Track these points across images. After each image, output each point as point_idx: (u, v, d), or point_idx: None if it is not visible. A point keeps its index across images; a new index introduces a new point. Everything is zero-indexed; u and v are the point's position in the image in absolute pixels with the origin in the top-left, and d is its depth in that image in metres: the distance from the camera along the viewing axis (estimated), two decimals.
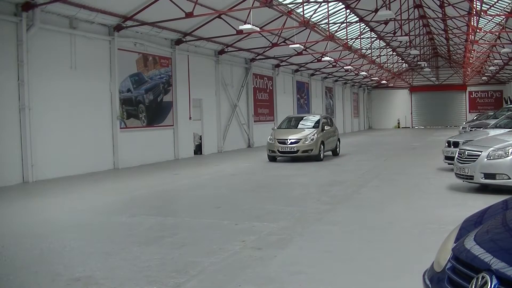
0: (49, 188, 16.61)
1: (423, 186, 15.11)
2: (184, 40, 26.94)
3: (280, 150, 23.34)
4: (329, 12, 29.71)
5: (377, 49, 43.93)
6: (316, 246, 8.53)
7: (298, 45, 31.24)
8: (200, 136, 30.03)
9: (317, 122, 24.99)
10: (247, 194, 14.60)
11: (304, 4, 25.91)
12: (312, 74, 49.92)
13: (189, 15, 21.70)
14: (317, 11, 29.20)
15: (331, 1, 27.32)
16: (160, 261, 7.71)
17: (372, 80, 63.28)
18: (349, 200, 13.18)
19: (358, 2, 29.02)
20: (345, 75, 55.66)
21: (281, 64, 40.92)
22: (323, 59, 39.02)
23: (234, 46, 31.42)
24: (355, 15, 33.02)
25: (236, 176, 19.05)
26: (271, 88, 40.35)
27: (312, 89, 50.31)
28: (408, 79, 68.64)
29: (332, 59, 39.48)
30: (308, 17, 27.70)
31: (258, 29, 24.99)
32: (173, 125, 26.75)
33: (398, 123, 71.72)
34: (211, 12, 23.66)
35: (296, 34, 31.54)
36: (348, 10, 31.33)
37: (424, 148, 30.75)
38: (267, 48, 33.31)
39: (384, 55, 47.30)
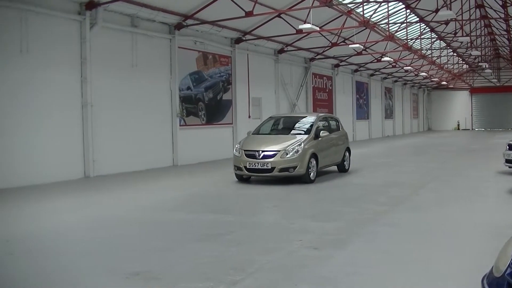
0: (109, 184, 16.72)
1: (482, 189, 14.66)
2: (244, 39, 26.80)
3: (247, 167, 15.89)
4: (389, 12, 29.14)
5: (437, 49, 43.10)
6: (373, 247, 8.38)
7: (357, 45, 30.87)
8: None
9: (311, 125, 17.40)
10: (304, 193, 14.38)
11: (364, 4, 25.47)
12: (372, 74, 49.25)
13: (249, 14, 21.57)
14: (377, 11, 28.74)
15: (391, 1, 26.77)
16: (217, 258, 7.68)
17: (432, 81, 62.11)
18: (407, 201, 12.81)
19: (418, 2, 28.39)
20: (404, 76, 54.80)
21: (340, 64, 40.51)
22: (382, 59, 38.52)
23: (294, 45, 31.17)
24: (415, 15, 32.34)
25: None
26: (330, 87, 39.96)
27: (371, 90, 49.60)
28: (468, 80, 67.16)
29: (392, 60, 38.86)
30: (368, 17, 27.27)
31: (317, 28, 24.71)
32: (232, 123, 26.67)
33: (458, 125, 70.17)
34: (271, 11, 23.40)
35: (355, 34, 31.13)
36: (408, 10, 30.70)
37: (484, 151, 29.86)
38: (327, 48, 32.98)
39: (444, 55, 46.33)
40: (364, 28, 28.30)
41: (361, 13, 26.13)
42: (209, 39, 24.54)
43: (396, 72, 50.74)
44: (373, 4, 27.11)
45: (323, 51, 34.41)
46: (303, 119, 18.67)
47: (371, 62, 41.51)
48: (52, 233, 9.69)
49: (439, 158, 25.16)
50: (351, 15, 26.21)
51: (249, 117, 28.12)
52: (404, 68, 44.76)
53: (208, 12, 22.05)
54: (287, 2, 24.47)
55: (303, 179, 15.96)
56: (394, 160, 24.28)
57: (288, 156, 15.68)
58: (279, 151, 15.78)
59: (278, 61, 31.19)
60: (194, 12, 21.93)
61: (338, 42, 31.30)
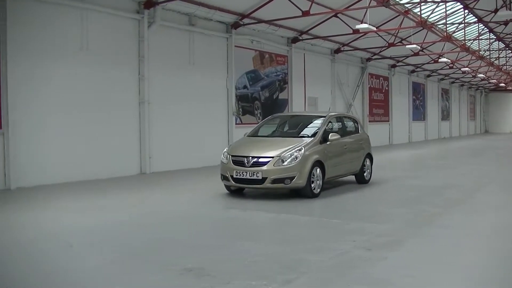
0: (163, 180, 16.62)
1: None
2: (301, 38, 26.43)
3: (234, 176, 12.70)
4: (447, 13, 28.46)
5: (496, 50, 41.92)
6: (427, 250, 8.10)
7: (414, 46, 30.09)
8: None
9: (318, 127, 13.93)
10: (358, 194, 13.98)
11: (422, 4, 24.84)
12: (428, 75, 48.13)
13: (305, 13, 21.25)
14: (434, 11, 27.93)
15: (449, 1, 26.04)
16: (270, 256, 7.52)
17: (490, 83, 60.60)
18: (462, 204, 12.28)
19: (476, 2, 27.52)
20: (462, 77, 53.50)
21: (397, 64, 39.72)
22: (440, 60, 37.61)
23: (350, 45, 30.66)
24: (473, 15, 31.33)
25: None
26: (386, 88, 39.21)
27: (428, 91, 48.47)
28: None
29: (449, 61, 37.94)
30: (425, 17, 26.64)
31: (374, 28, 24.26)
32: None
33: None
34: (328, 11, 23.00)
35: (412, 34, 30.38)
36: (466, 11, 29.86)
37: None
38: (383, 48, 32.36)
39: (503, 57, 45.03)
40: (421, 28, 27.61)
41: (418, 13, 25.54)
42: (265, 38, 24.29)
43: (453, 73, 49.47)
44: (430, 4, 26.40)
45: (380, 51, 33.78)
46: (311, 119, 15.06)
47: (428, 63, 40.62)
48: (107, 228, 9.65)
49: (496, 161, 24.37)
50: (408, 15, 25.63)
51: None
52: (462, 69, 43.56)
53: (265, 11, 21.78)
54: (344, 1, 23.99)
55: (302, 193, 12.74)
56: (450, 162, 23.61)
57: (284, 164, 12.41)
58: (272, 157, 12.48)
59: (335, 61, 30.71)
60: (251, 11, 21.71)
61: (395, 43, 30.68)
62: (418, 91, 46.17)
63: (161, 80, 18.82)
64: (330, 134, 13.58)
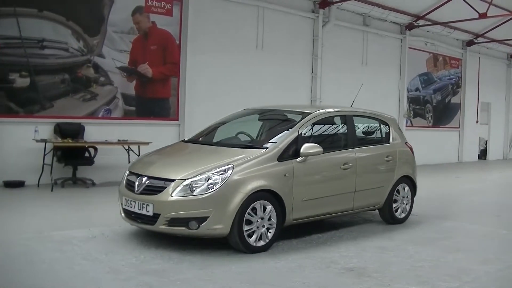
0: None
1: None
2: (476, 41, 24.56)
3: (124, 205, 7.41)
4: None
5: None
6: None
7: None
8: (486, 140, 27.42)
9: (286, 131, 7.94)
10: None
11: None
12: None
13: (482, 16, 19.47)
14: None
15: None
16: (433, 262, 7.00)
17: None
18: None
19: None
20: None
21: None
22: None
23: None
24: None
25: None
26: None
27: None
28: None
29: None
30: None
31: None
32: (459, 128, 24.58)
33: None
34: (506, 13, 20.97)
35: None
36: None
37: None
38: None
39: None
40: None
41: None
42: (439, 41, 22.73)
43: None
44: None
45: None
46: (288, 117, 8.76)
47: None
48: None
49: None
50: None
51: (477, 122, 25.94)
52: None
53: (439, 13, 20.41)
54: None
55: (231, 243, 7.06)
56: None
57: (193, 193, 6.82)
58: (173, 181, 6.95)
59: (511, 66, 28.34)
60: (426, 12, 20.42)
61: None
62: None
63: (333, 79, 18.13)
64: (304, 145, 7.63)
